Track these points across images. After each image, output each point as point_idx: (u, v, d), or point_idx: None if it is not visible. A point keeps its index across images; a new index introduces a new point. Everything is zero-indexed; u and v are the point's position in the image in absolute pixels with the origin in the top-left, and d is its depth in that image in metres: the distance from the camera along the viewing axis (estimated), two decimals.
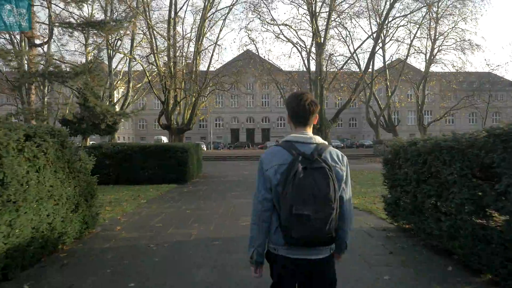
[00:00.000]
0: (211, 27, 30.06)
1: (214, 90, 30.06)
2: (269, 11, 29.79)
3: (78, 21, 14.63)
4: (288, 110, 1.77)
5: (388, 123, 38.86)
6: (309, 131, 1.74)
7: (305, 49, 30.80)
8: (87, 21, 14.29)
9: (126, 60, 29.96)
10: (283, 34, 31.14)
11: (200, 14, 27.80)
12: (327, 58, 29.04)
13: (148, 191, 10.07)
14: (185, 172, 11.88)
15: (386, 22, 30.13)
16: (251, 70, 34.00)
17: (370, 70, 33.30)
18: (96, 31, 15.24)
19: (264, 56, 37.69)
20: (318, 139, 1.69)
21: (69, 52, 42.68)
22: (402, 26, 31.21)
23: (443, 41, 35.26)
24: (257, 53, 33.43)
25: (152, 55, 25.40)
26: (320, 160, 1.60)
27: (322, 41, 28.56)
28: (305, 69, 31.81)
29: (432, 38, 35.19)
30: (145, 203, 8.17)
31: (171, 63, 24.77)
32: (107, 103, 25.56)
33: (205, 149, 47.77)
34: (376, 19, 32.29)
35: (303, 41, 30.96)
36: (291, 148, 1.65)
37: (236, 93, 43.17)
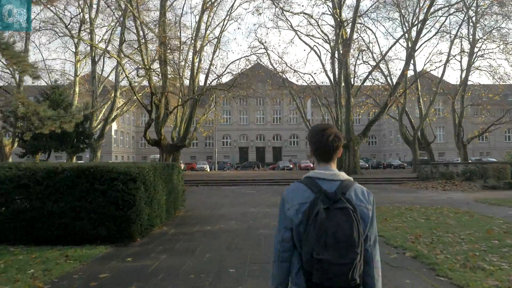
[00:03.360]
0: (213, 29, 25.09)
1: (215, 91, 24.46)
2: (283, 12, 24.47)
3: None
4: (311, 145, 1.65)
5: (421, 140, 32.66)
6: (333, 166, 1.61)
7: (328, 44, 25.41)
8: None
9: (120, 72, 24.96)
10: (298, 36, 25.91)
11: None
12: (356, 56, 23.40)
13: (24, 270, 4.29)
14: (131, 221, 6.06)
15: (427, 16, 24.45)
16: (261, 80, 28.75)
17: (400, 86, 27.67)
18: None
19: (277, 61, 32.43)
20: (343, 175, 1.56)
21: (61, 60, 38.30)
22: (446, 16, 25.60)
23: (482, 44, 29.94)
24: (267, 58, 28.18)
25: (139, 49, 20.19)
26: (343, 200, 1.44)
27: (348, 36, 23.05)
28: (324, 77, 26.45)
29: (471, 40, 29.78)
30: None
31: (161, 52, 19.29)
32: (82, 116, 20.32)
33: (208, 170, 41.91)
34: (408, 15, 26.93)
35: (326, 35, 25.39)
36: (313, 186, 1.52)
37: (244, 108, 37.86)
